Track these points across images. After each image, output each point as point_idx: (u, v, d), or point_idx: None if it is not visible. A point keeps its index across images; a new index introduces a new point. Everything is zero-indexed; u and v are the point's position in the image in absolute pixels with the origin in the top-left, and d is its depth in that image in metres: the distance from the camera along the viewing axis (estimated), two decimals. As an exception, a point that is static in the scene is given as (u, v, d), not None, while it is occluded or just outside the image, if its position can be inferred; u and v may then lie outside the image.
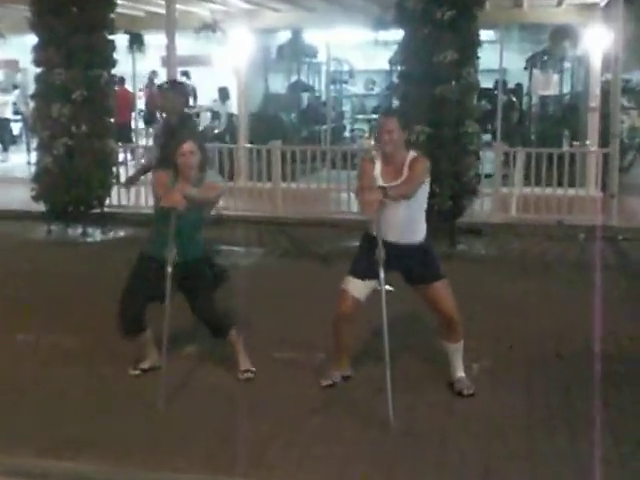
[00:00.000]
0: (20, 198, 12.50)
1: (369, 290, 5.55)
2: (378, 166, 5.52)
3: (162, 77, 16.57)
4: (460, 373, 5.70)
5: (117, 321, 5.80)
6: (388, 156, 5.46)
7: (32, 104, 12.30)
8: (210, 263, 6.33)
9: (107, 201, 12.11)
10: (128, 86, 16.82)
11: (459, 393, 5.58)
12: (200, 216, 5.83)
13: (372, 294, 5.52)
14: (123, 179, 13.03)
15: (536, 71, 16.55)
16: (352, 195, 12.04)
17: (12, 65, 17.97)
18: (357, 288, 5.56)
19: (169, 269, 5.51)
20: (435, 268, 5.59)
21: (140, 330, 5.87)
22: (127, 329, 5.82)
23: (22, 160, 17.17)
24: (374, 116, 18.86)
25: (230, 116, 17.57)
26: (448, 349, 5.73)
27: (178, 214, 5.42)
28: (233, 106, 16.76)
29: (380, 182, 5.42)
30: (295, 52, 17.70)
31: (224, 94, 18.11)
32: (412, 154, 5.52)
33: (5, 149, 17.89)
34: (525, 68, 16.73)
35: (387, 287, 5.44)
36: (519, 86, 17.20)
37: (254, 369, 5.90)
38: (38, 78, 11.76)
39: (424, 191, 5.53)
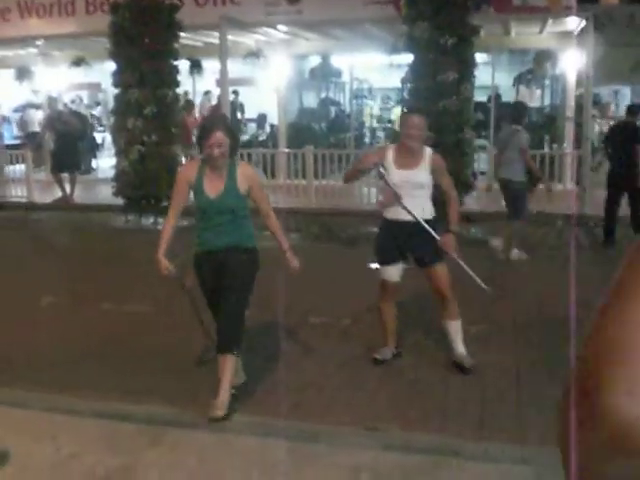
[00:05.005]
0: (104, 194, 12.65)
1: (401, 270, 5.24)
2: (391, 154, 5.12)
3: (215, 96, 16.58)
4: (461, 349, 5.22)
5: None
6: (410, 150, 5.07)
7: (112, 118, 12.43)
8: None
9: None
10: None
11: (461, 366, 5.17)
12: (241, 204, 4.79)
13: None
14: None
15: (522, 87, 16.41)
16: (371, 191, 12.14)
17: (95, 87, 18.15)
18: (391, 273, 5.25)
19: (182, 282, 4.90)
20: (439, 251, 5.15)
21: None
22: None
23: (106, 164, 17.18)
24: (389, 125, 18.82)
25: (271, 126, 17.61)
26: (448, 328, 5.24)
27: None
28: (274, 119, 16.81)
29: (393, 168, 5.06)
30: (324, 73, 17.70)
31: (262, 119, 18.33)
32: (428, 150, 5.15)
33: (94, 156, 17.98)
34: (513, 85, 16.59)
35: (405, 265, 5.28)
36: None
37: (224, 413, 4.38)
38: (116, 97, 11.90)
39: (431, 180, 5.17)
